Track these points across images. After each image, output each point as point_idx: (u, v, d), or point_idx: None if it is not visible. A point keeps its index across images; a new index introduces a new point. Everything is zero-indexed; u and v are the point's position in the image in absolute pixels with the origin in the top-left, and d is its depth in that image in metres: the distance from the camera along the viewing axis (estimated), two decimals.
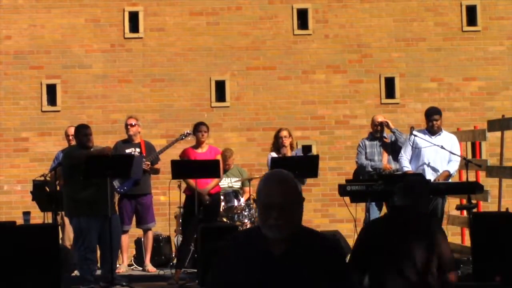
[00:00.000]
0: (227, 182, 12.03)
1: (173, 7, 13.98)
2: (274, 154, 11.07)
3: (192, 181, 10.54)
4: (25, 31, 13.85)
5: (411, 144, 10.84)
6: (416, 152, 10.80)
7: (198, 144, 10.91)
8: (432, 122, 10.73)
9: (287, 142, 11.08)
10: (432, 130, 10.74)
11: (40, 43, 13.82)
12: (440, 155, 10.72)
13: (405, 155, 10.83)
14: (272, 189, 3.41)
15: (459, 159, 10.71)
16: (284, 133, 11.14)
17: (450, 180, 10.72)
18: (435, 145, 10.65)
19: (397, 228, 5.83)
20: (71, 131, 11.23)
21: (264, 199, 3.41)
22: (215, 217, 10.68)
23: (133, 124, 11.39)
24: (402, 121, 13.47)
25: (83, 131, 9.87)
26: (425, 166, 10.66)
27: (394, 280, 5.71)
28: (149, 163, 11.14)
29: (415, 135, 10.87)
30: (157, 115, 13.70)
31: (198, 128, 10.89)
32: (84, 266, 9.66)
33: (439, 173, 10.66)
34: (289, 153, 11.02)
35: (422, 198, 6.02)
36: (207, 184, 10.62)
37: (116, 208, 10.62)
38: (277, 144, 11.15)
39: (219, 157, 10.78)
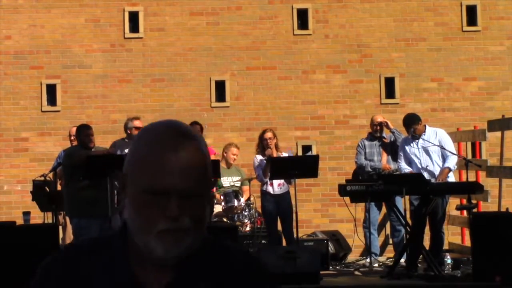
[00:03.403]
0: (229, 181, 12.04)
1: (173, 7, 13.98)
2: (260, 157, 11.04)
3: None
4: (25, 31, 13.84)
5: (403, 150, 10.90)
6: (408, 157, 10.86)
7: None
8: (412, 130, 10.77)
9: (272, 143, 11.04)
10: (414, 136, 10.78)
11: (40, 43, 13.82)
12: (431, 155, 10.74)
13: (402, 161, 10.90)
14: (167, 157, 1.81)
15: (454, 152, 10.73)
16: (268, 134, 11.11)
17: (449, 177, 10.73)
18: (435, 145, 10.66)
19: None
20: (74, 131, 11.24)
21: (151, 178, 1.81)
22: None
23: (140, 127, 11.45)
24: (401, 121, 13.46)
25: (85, 131, 9.88)
26: (421, 170, 10.67)
27: None
28: None
29: (407, 141, 10.92)
30: (157, 115, 13.69)
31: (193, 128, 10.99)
32: None
33: (437, 174, 10.67)
34: (274, 154, 10.99)
35: None
36: None
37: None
38: (261, 146, 11.12)
39: (213, 157, 10.84)
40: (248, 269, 1.93)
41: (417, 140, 10.72)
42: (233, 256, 1.95)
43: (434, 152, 10.71)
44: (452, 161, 10.67)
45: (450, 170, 10.65)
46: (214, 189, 11.63)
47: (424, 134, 10.74)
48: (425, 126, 10.88)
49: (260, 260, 1.99)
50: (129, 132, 11.42)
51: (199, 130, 11.02)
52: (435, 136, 10.75)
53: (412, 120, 10.85)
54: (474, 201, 10.87)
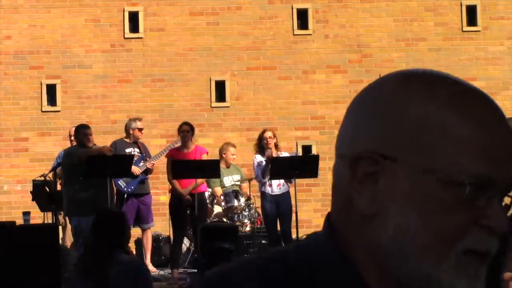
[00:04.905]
0: (229, 181, 12.03)
1: (173, 7, 13.98)
2: (259, 157, 11.02)
3: (175, 181, 10.74)
4: (25, 31, 13.85)
5: None
6: None
7: (183, 144, 11.05)
8: None
9: (272, 143, 11.01)
10: None
11: (40, 43, 13.82)
12: None
13: None
14: (504, 136, 1.16)
15: None
16: (268, 133, 11.10)
17: None
18: None
19: None
20: (73, 131, 11.27)
21: (484, 164, 1.10)
22: (203, 216, 10.68)
23: (142, 128, 11.49)
24: None
25: (83, 131, 9.91)
26: None
27: None
28: (153, 162, 11.18)
29: None
30: (157, 115, 13.70)
31: (181, 128, 11.08)
32: None
33: None
34: (274, 154, 10.97)
35: None
36: (190, 184, 10.75)
37: (124, 208, 10.68)
38: (261, 145, 11.09)
39: (205, 157, 10.85)
40: None
41: None
42: None
43: None
44: None
45: None
46: (220, 189, 11.68)
47: None
48: None
49: None
50: (131, 132, 11.42)
51: (187, 130, 11.06)
52: None
53: None
54: None
